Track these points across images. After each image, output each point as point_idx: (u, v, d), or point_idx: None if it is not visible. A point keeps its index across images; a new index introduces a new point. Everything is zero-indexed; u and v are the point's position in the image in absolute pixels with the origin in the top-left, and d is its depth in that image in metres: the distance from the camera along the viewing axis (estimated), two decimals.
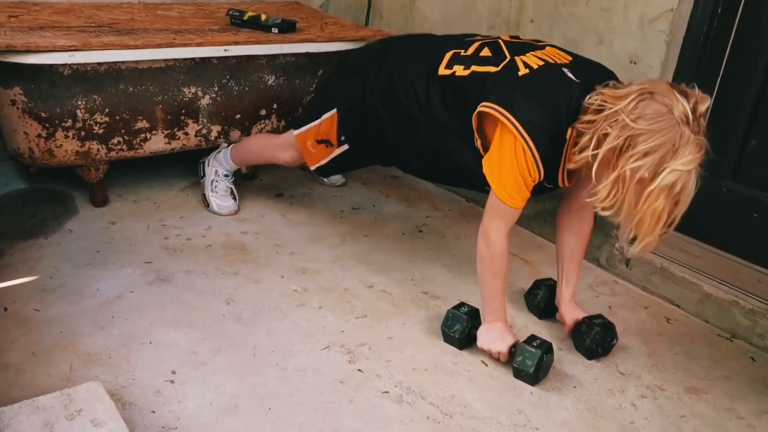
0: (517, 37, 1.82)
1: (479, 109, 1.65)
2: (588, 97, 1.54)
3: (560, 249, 1.91)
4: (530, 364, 1.67)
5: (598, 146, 1.47)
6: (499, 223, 1.69)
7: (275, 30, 2.36)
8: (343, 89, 2.00)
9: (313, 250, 2.23)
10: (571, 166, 1.60)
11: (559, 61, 1.66)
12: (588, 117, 1.51)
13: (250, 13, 2.40)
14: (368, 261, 2.20)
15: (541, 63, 1.64)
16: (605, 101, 1.49)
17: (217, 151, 2.41)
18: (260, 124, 2.51)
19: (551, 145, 1.59)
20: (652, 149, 1.41)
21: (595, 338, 1.81)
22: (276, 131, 2.55)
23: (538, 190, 1.70)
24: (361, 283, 2.07)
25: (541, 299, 1.97)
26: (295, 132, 2.10)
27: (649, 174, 1.42)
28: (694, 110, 1.43)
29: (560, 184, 1.70)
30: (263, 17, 2.38)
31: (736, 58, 2.08)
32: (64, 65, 2.00)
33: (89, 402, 1.33)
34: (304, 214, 2.46)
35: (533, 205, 2.49)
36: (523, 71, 1.63)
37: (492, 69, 1.67)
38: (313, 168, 2.12)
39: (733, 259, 2.20)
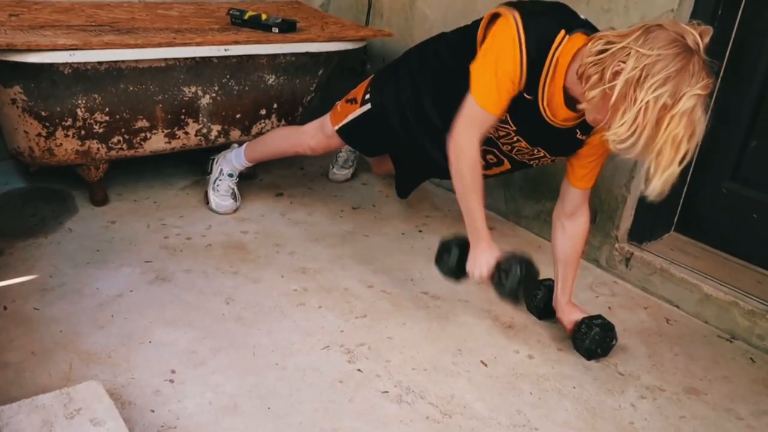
0: None
1: (492, 11, 1.67)
2: (591, 41, 1.53)
3: (555, 253, 1.91)
4: (505, 282, 1.65)
5: (613, 79, 1.44)
6: (471, 131, 1.67)
7: (276, 30, 2.36)
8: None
9: (313, 249, 2.23)
10: (583, 105, 1.56)
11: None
12: (593, 58, 1.49)
13: (250, 13, 2.40)
14: (368, 261, 2.20)
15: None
16: (610, 41, 1.48)
17: (227, 150, 2.42)
18: (260, 123, 2.51)
19: (541, 45, 1.59)
20: (672, 75, 1.40)
21: (595, 339, 1.81)
22: None
23: (517, 108, 1.68)
24: (361, 282, 2.07)
25: (541, 300, 1.97)
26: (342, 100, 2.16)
27: (671, 99, 1.40)
28: (701, 38, 1.44)
29: (539, 101, 1.66)
30: (264, 17, 2.38)
31: (737, 58, 2.08)
32: (65, 64, 2.00)
33: (88, 401, 1.33)
34: (303, 213, 2.46)
35: (533, 205, 2.49)
36: None
37: None
38: (336, 128, 2.11)
39: (733, 260, 2.21)
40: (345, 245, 2.28)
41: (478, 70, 1.66)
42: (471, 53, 1.73)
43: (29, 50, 1.91)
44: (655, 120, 1.41)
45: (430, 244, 2.35)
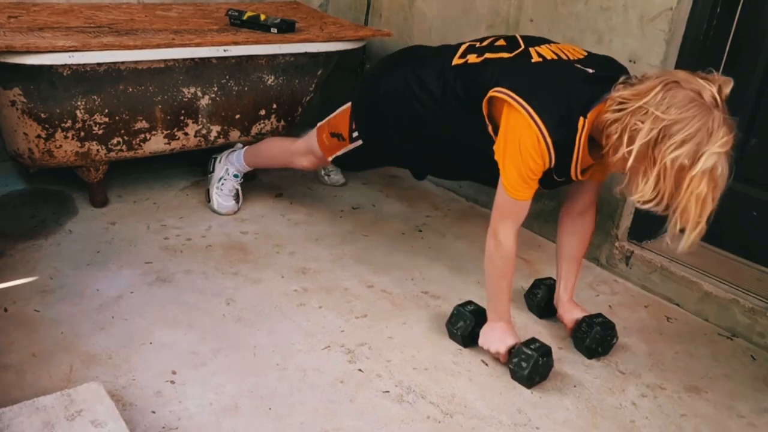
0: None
1: (490, 93, 1.64)
2: (607, 96, 1.53)
3: (560, 250, 1.91)
4: (524, 367, 1.67)
5: (631, 143, 1.45)
6: (507, 222, 1.68)
7: (274, 30, 2.36)
8: (361, 87, 2.03)
9: (313, 249, 2.23)
10: (612, 169, 1.57)
11: (572, 57, 1.66)
12: (611, 116, 1.50)
13: (249, 13, 2.40)
14: (368, 261, 2.20)
15: (554, 57, 1.65)
16: (627, 99, 1.47)
17: (231, 150, 2.41)
18: (260, 124, 2.51)
19: (563, 132, 1.57)
20: (689, 137, 1.40)
21: (595, 337, 1.81)
22: (275, 131, 2.55)
23: (548, 184, 1.69)
24: (361, 282, 2.08)
25: (541, 299, 1.97)
26: (319, 124, 2.12)
27: (689, 160, 1.40)
28: (719, 92, 1.43)
29: (573, 176, 1.68)
30: (262, 17, 2.38)
31: (735, 57, 2.08)
32: (64, 66, 2.00)
33: (89, 402, 1.33)
34: (303, 214, 2.46)
35: (533, 204, 2.48)
36: (536, 59, 1.64)
37: (505, 55, 1.69)
38: (330, 159, 2.11)
39: (733, 258, 2.20)
40: (345, 245, 2.28)
41: (506, 164, 1.63)
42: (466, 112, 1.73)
43: (28, 52, 1.91)
44: (674, 180, 1.42)
45: (430, 244, 2.35)
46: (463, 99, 1.73)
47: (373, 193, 2.70)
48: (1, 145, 2.28)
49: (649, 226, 2.27)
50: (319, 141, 2.11)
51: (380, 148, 2.01)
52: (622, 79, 1.54)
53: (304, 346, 1.76)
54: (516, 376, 1.70)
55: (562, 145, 1.59)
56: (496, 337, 1.75)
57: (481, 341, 1.77)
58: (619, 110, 1.48)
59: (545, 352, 1.70)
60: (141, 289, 1.91)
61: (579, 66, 1.63)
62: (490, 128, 1.72)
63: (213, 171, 2.40)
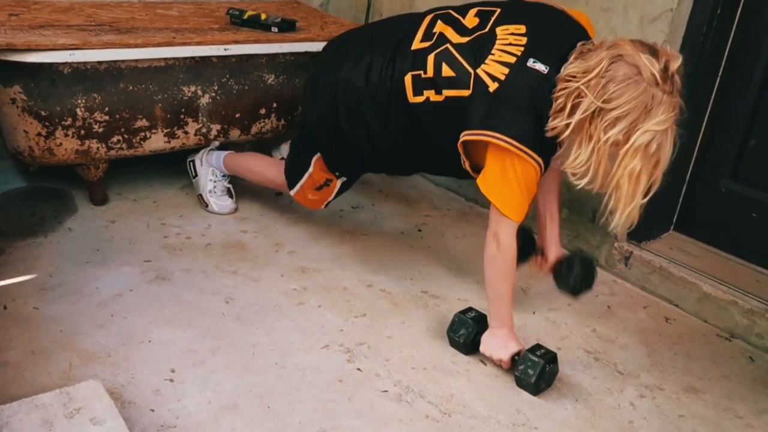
0: (461, 14, 1.74)
1: (463, 138, 1.63)
2: (562, 68, 1.55)
3: (540, 207, 1.95)
4: (531, 374, 1.65)
5: (571, 115, 1.48)
6: (508, 224, 1.67)
7: (275, 29, 2.36)
8: (317, 130, 1.99)
9: (313, 249, 2.23)
10: (548, 134, 1.57)
11: (518, 53, 1.59)
12: (561, 86, 1.52)
13: (249, 12, 2.40)
14: (367, 260, 2.20)
15: (506, 71, 1.58)
16: (574, 75, 1.50)
17: (206, 150, 2.39)
18: (260, 123, 2.51)
19: (543, 140, 1.59)
20: (623, 114, 1.43)
21: (578, 278, 1.87)
22: (275, 130, 2.55)
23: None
24: (361, 282, 2.08)
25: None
26: (293, 192, 2.14)
27: (624, 137, 1.43)
28: (665, 69, 1.43)
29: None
30: (263, 16, 2.38)
31: (736, 58, 2.08)
32: (64, 64, 2.00)
33: (88, 400, 1.34)
34: (303, 213, 2.46)
35: (532, 204, 2.48)
36: (492, 86, 1.59)
37: (465, 93, 1.63)
38: (324, 206, 2.16)
39: (732, 259, 2.21)
40: (344, 244, 2.28)
41: (500, 191, 1.62)
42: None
43: (29, 50, 1.91)
44: (608, 156, 1.45)
45: (429, 244, 2.35)
46: (434, 134, 1.73)
47: (372, 192, 2.70)
48: (1, 143, 2.28)
49: (648, 226, 2.28)
50: (305, 203, 2.16)
51: (361, 172, 2.14)
52: (578, 46, 1.55)
53: (303, 345, 1.76)
54: (522, 383, 1.69)
55: (548, 148, 1.61)
56: (498, 344, 1.73)
57: (482, 348, 1.75)
58: (566, 84, 1.50)
59: (551, 358, 1.68)
60: (140, 288, 1.92)
61: (534, 65, 1.56)
62: (466, 164, 1.73)
63: (197, 175, 2.38)
